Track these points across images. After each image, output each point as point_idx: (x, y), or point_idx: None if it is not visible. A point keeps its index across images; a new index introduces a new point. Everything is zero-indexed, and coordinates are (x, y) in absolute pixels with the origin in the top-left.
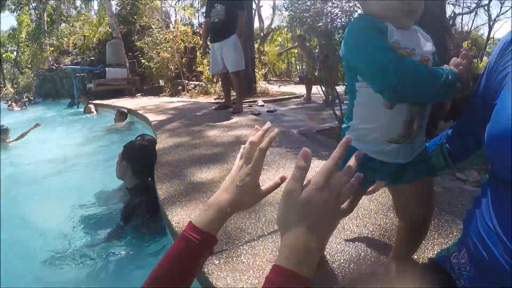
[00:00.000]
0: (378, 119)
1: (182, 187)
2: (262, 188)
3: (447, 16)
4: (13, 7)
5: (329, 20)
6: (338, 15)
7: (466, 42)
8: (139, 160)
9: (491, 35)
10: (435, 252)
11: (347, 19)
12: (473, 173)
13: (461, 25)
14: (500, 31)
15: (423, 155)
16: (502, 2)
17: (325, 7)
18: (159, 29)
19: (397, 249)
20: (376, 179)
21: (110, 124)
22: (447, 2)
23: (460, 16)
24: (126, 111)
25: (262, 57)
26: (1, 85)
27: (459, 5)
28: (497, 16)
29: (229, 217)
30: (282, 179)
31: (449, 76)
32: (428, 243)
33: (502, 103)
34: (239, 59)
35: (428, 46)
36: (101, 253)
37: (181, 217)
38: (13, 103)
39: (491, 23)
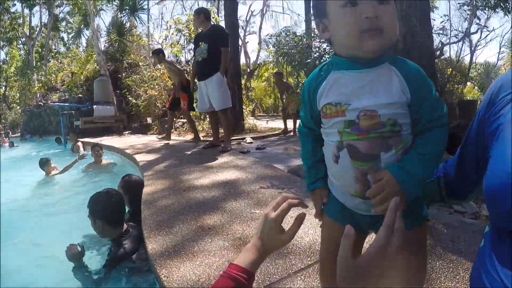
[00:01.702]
0: (334, 173)
1: (170, 235)
2: (287, 232)
3: (434, 46)
4: (2, 42)
5: (317, 56)
6: (326, 50)
7: (450, 69)
8: (111, 212)
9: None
10: None
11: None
12: (471, 204)
13: (449, 54)
14: (481, 56)
15: (410, 206)
16: (482, 30)
17: (313, 42)
18: (147, 67)
19: None
20: (359, 229)
21: (88, 164)
22: (433, 31)
23: (448, 46)
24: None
25: (249, 93)
26: None
27: (446, 35)
28: (478, 41)
29: (264, 259)
30: (301, 219)
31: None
32: None
33: (496, 156)
34: (225, 96)
35: (384, 97)
36: None
37: (169, 269)
38: (4, 139)
39: (472, 48)
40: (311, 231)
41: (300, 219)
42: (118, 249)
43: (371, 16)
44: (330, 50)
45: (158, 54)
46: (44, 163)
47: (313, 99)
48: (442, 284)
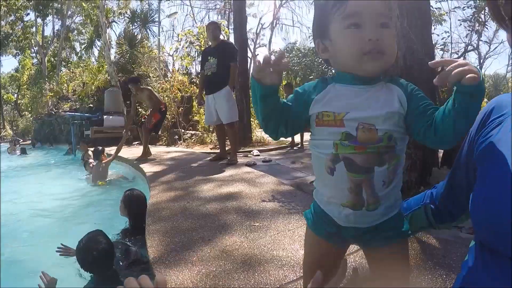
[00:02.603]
0: (327, 184)
1: (172, 245)
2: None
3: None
4: (15, 51)
5: (320, 73)
6: (329, 68)
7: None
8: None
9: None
10: None
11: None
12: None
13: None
14: (490, 68)
15: (393, 221)
16: (489, 44)
17: (316, 58)
18: (157, 78)
19: None
20: (344, 243)
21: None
22: (435, 47)
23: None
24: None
25: None
26: (1, 127)
27: (447, 51)
28: (487, 53)
29: None
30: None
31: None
32: None
33: (480, 179)
34: (233, 110)
35: (382, 110)
36: None
37: (169, 277)
38: (15, 147)
39: (481, 61)
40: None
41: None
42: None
43: (373, 38)
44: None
45: (136, 83)
46: (99, 152)
47: (306, 102)
48: None
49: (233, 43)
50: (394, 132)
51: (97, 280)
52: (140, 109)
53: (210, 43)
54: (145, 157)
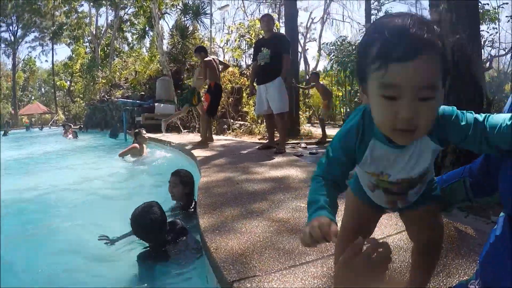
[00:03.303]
0: (368, 191)
1: (221, 217)
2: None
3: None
4: (69, 40)
5: None
6: None
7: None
8: (153, 234)
9: None
10: None
11: None
12: None
13: (498, 67)
14: None
15: (427, 190)
16: None
17: None
18: None
19: (412, 274)
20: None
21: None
22: (484, 44)
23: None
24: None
25: (307, 100)
26: (53, 112)
27: (495, 48)
28: None
29: None
30: None
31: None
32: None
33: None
34: (284, 101)
35: (420, 167)
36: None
37: (219, 243)
38: (68, 131)
39: None
40: None
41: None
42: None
43: (407, 116)
44: None
45: (205, 52)
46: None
47: (356, 154)
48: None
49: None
50: (427, 169)
51: (149, 250)
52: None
53: (262, 35)
54: (205, 143)
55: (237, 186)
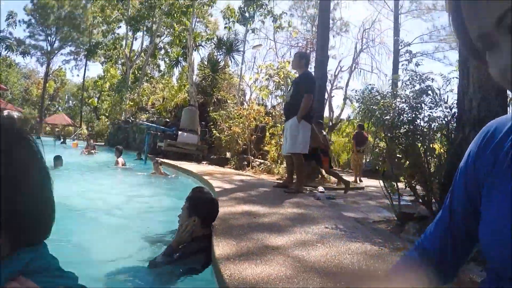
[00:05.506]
0: None
1: (237, 247)
2: None
3: None
4: (103, 59)
5: (396, 114)
6: (405, 110)
7: None
8: (208, 212)
9: None
10: None
11: (413, 115)
12: None
13: None
14: None
15: None
16: None
17: (394, 101)
18: (234, 105)
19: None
20: None
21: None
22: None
23: None
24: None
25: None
26: (77, 125)
27: None
28: None
29: None
30: None
31: None
32: None
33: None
34: (298, 142)
35: None
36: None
37: (233, 271)
38: (88, 148)
39: None
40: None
41: None
42: (195, 245)
43: None
44: (408, 111)
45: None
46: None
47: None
48: None
49: (313, 74)
50: None
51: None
52: (214, 131)
53: (290, 77)
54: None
55: (253, 220)
